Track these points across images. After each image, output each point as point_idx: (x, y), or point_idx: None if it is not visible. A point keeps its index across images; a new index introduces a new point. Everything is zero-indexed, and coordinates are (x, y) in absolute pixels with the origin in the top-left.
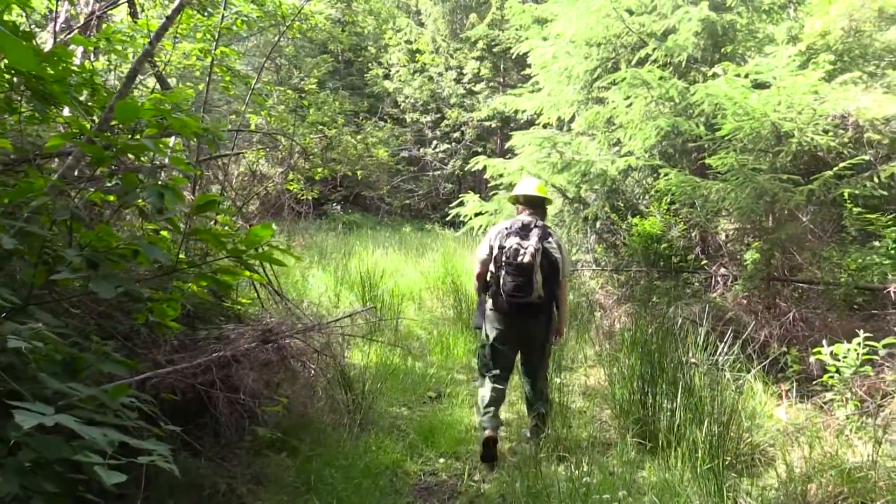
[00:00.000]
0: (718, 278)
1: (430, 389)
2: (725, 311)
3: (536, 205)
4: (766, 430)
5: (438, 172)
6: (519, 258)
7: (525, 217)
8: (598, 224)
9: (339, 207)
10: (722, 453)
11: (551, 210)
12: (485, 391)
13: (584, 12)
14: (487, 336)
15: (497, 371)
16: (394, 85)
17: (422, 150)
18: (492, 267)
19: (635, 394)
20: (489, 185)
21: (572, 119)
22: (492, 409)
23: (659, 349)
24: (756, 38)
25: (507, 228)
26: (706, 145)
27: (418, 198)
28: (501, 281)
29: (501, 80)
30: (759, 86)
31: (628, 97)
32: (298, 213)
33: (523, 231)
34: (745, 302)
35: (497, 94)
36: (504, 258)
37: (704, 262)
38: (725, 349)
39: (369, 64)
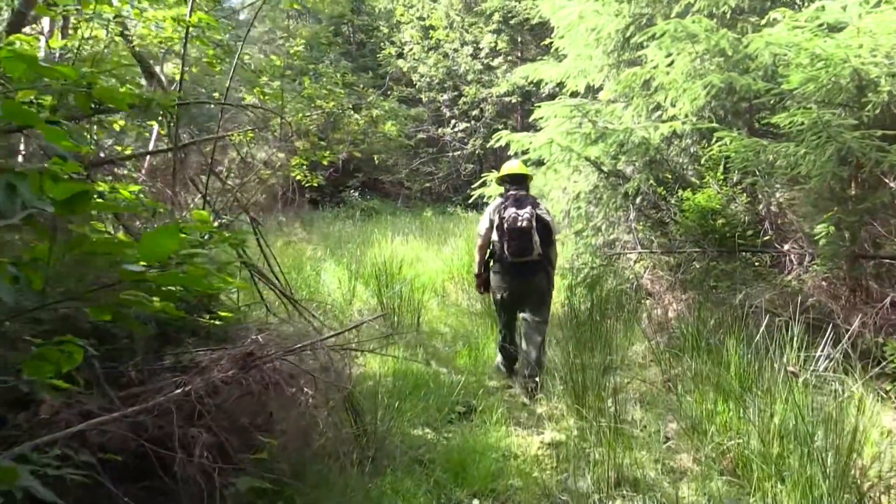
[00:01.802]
0: (792, 258)
1: (458, 403)
2: (804, 297)
3: (521, 181)
4: (892, 454)
5: (458, 153)
6: (518, 223)
7: (514, 192)
8: (639, 200)
9: (356, 194)
10: (843, 491)
11: (586, 186)
12: (502, 345)
13: None
14: (495, 297)
15: (507, 327)
16: (408, 64)
17: (440, 130)
18: (494, 235)
19: (707, 405)
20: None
21: (600, 89)
22: (506, 353)
23: (732, 349)
24: None
25: (503, 202)
26: (767, 102)
27: (439, 180)
28: (506, 245)
29: (520, 53)
30: (830, 30)
31: (670, 54)
32: (312, 202)
33: (517, 203)
34: (826, 285)
35: (516, 68)
36: (506, 226)
37: (772, 238)
38: (821, 348)
39: (381, 44)
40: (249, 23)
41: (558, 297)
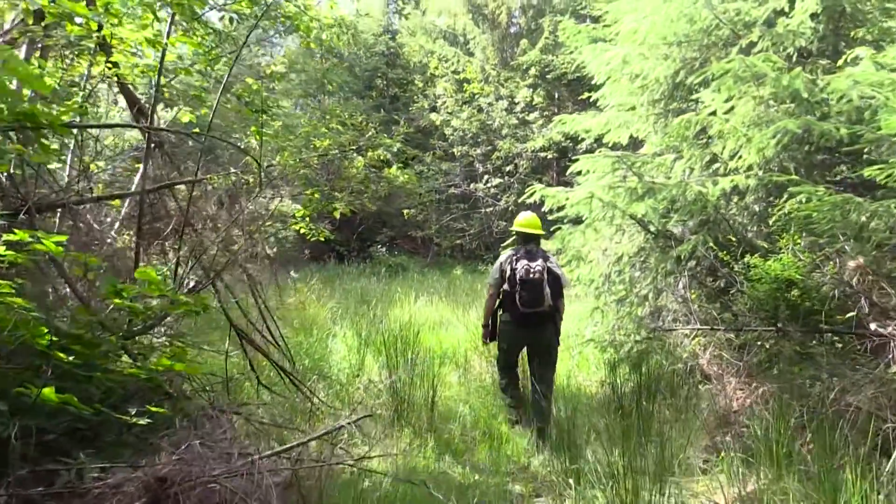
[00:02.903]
0: None
1: None
2: None
3: (534, 238)
4: None
5: (491, 209)
6: (531, 275)
7: (527, 245)
8: (693, 265)
9: (383, 249)
10: None
11: (630, 247)
12: (504, 381)
13: (660, 4)
14: (503, 345)
15: (508, 375)
16: (441, 117)
17: (472, 185)
18: (506, 287)
19: None
20: (548, 218)
21: (643, 143)
22: (513, 394)
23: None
24: (892, 16)
25: (514, 255)
26: (845, 153)
27: (470, 237)
28: (518, 296)
29: (556, 109)
30: None
31: (729, 98)
32: (338, 256)
33: (529, 255)
34: None
35: (552, 125)
36: (518, 277)
37: (867, 317)
38: None
39: (415, 97)
40: (239, 48)
41: (597, 375)
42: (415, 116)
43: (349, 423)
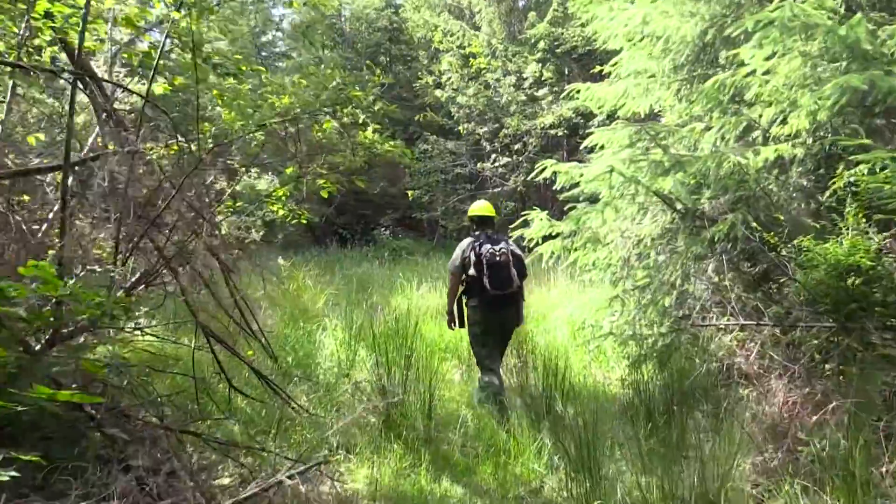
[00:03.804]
0: None
1: None
2: None
3: (490, 222)
4: None
5: (498, 189)
6: (497, 258)
7: (485, 231)
8: (730, 248)
9: (387, 232)
10: None
11: (654, 229)
12: (488, 378)
13: None
14: (475, 331)
15: (489, 358)
16: (446, 94)
17: (479, 165)
18: (472, 272)
19: None
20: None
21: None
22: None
23: None
24: None
25: (476, 241)
26: None
27: None
28: (486, 280)
29: (566, 84)
30: None
31: (771, 55)
32: (341, 239)
33: (491, 240)
34: None
35: (563, 99)
36: (486, 262)
37: None
38: None
39: (419, 73)
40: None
41: (617, 372)
42: (420, 95)
43: (316, 465)
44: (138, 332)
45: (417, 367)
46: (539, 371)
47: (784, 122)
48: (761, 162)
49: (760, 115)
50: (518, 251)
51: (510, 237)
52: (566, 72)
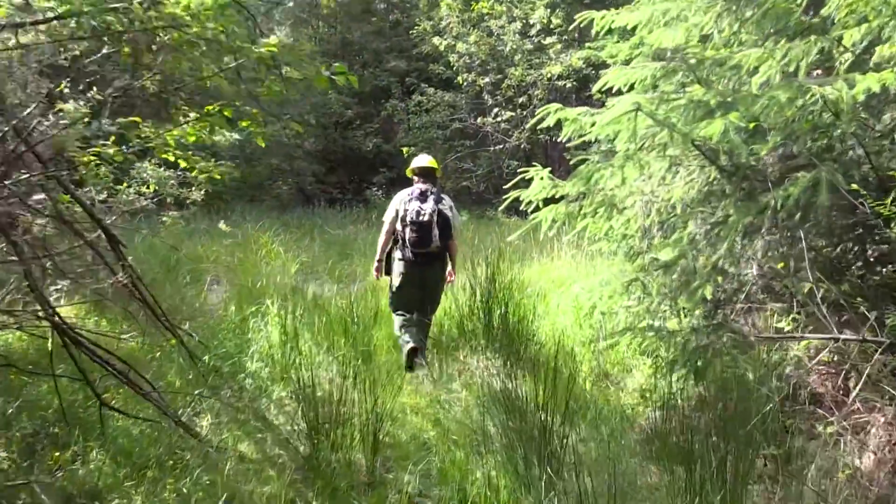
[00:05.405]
0: None
1: None
2: None
3: (429, 174)
4: None
5: (501, 146)
6: (420, 217)
7: (422, 185)
8: (802, 220)
9: (379, 192)
10: None
11: (688, 190)
12: (398, 321)
13: None
14: (393, 284)
15: (405, 311)
16: (445, 41)
17: (480, 119)
18: (398, 226)
19: None
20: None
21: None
22: (412, 329)
23: None
24: None
25: (409, 195)
26: None
27: (477, 179)
28: (407, 236)
29: (577, 34)
30: None
31: None
32: (330, 200)
33: (422, 196)
34: None
35: (572, 49)
36: (408, 218)
37: None
38: None
39: (417, 20)
40: None
41: (636, 379)
42: (418, 43)
43: None
44: None
45: (372, 369)
46: (534, 379)
47: (884, 41)
48: (861, 95)
49: (839, 39)
50: (448, 212)
51: (447, 194)
52: (577, 19)
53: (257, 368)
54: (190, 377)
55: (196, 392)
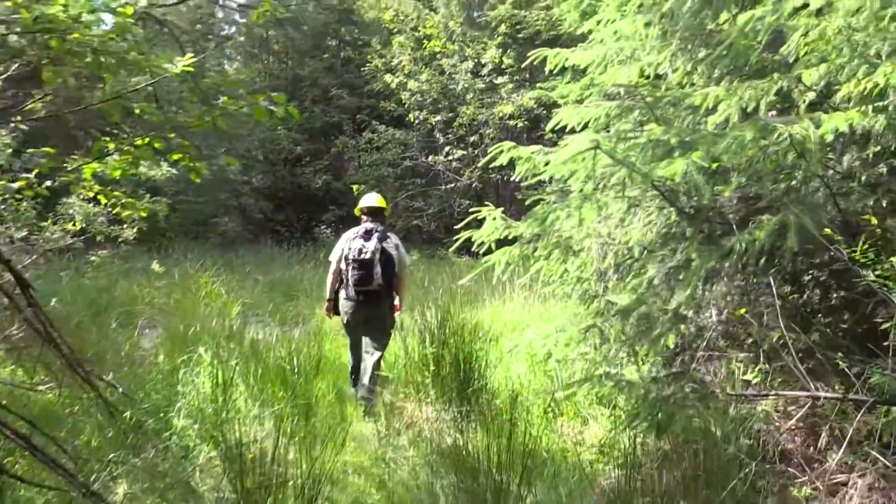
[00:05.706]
0: None
1: None
2: None
3: (377, 213)
4: None
5: (452, 185)
6: (361, 255)
7: (368, 224)
8: (757, 263)
9: (328, 230)
10: None
11: (646, 233)
12: (351, 362)
13: None
14: (342, 321)
15: (353, 352)
16: (397, 79)
17: (431, 157)
18: (342, 265)
19: None
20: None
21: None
22: (358, 380)
23: None
24: None
25: (354, 234)
26: None
27: (428, 217)
28: (349, 275)
29: (528, 74)
30: None
31: None
32: (277, 238)
33: (366, 235)
34: None
35: (524, 89)
36: (350, 256)
37: None
38: None
39: (370, 56)
40: None
41: (594, 432)
42: (370, 80)
43: None
44: None
45: (312, 423)
46: (486, 433)
47: (852, 80)
48: (830, 135)
49: (799, 78)
50: (392, 251)
51: (393, 233)
52: (529, 58)
53: (185, 425)
54: (109, 435)
55: (111, 455)
